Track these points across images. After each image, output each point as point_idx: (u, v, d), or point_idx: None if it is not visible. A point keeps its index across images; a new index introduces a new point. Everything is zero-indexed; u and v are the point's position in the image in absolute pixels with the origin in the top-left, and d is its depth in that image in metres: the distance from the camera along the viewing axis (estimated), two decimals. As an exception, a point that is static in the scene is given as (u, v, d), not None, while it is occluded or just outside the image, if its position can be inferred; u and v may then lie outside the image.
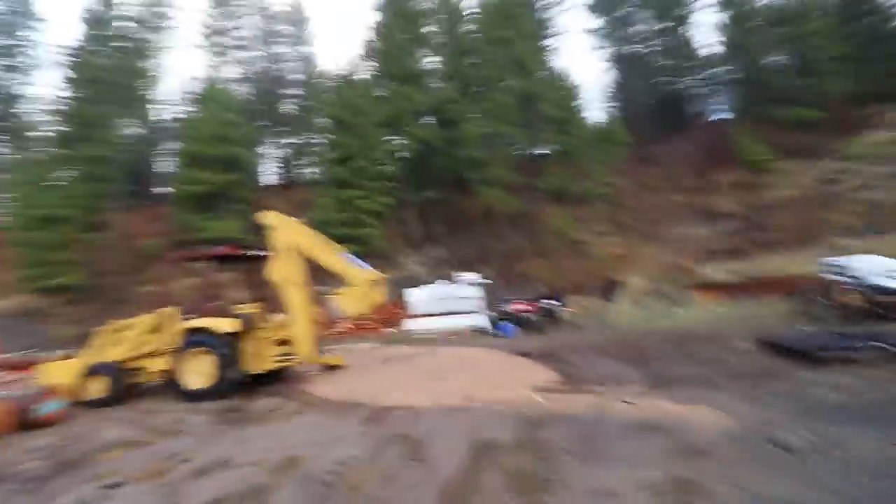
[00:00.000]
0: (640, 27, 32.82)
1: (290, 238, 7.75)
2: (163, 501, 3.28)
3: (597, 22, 34.87)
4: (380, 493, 3.18)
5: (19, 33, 33.32)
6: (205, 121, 25.69)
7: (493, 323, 12.82)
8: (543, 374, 6.85)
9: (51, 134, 27.36)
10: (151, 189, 34.10)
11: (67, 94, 27.23)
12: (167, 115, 36.18)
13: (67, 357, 9.15)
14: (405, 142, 25.22)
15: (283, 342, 7.65)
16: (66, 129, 26.60)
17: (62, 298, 21.68)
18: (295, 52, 39.13)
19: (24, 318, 20.59)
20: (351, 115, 23.34)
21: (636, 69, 32.73)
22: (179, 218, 25.76)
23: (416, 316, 13.68)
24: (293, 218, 8.08)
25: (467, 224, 25.81)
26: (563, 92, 23.69)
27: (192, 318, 7.73)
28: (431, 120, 26.31)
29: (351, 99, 24.27)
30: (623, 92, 34.44)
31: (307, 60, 39.12)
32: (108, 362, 7.46)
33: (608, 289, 15.64)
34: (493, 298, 14.89)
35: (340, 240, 8.41)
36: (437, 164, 26.12)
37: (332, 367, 8.69)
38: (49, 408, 6.10)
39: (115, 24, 29.04)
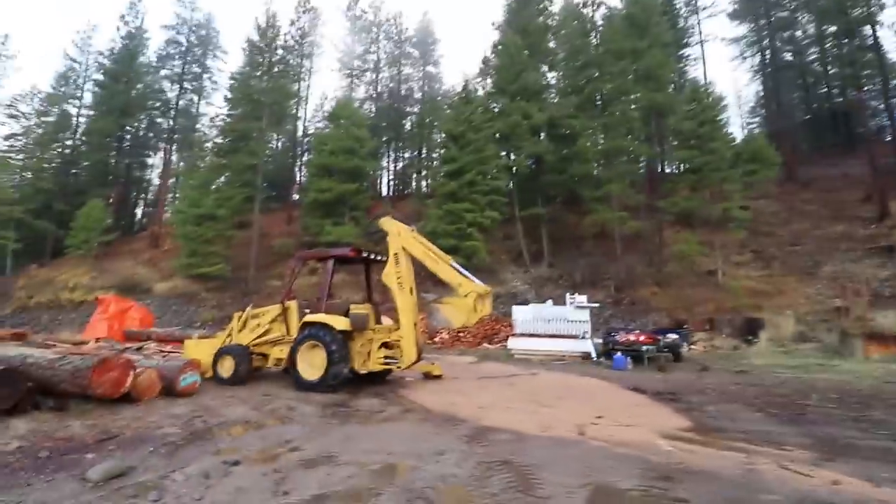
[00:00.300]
0: (798, 33, 28.62)
1: (404, 244, 7.89)
2: (272, 487, 3.30)
3: (740, 29, 31.37)
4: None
5: (208, 63, 40.34)
6: (334, 136, 28.19)
7: (603, 352, 11.74)
8: (668, 417, 5.91)
9: (212, 146, 32.46)
10: (287, 195, 38.46)
11: (227, 112, 32.12)
12: (307, 130, 40.80)
13: (205, 337, 10.38)
14: (517, 157, 24.95)
15: (389, 345, 7.74)
16: (224, 141, 31.29)
17: (208, 285, 25.11)
18: (420, 72, 41.55)
19: (181, 300, 24.25)
20: (465, 130, 23.78)
21: (791, 80, 28.56)
22: (306, 221, 28.51)
23: (519, 335, 13.12)
24: (409, 226, 8.22)
25: (577, 243, 24.56)
26: (701, 104, 21.39)
27: (310, 313, 8.25)
28: (546, 136, 25.76)
29: (466, 115, 24.75)
30: (773, 105, 30.28)
31: (430, 79, 41.23)
32: (238, 345, 8.23)
33: (745, 327, 13.47)
34: (602, 325, 13.75)
35: (447, 251, 8.40)
36: (549, 181, 25.38)
37: (432, 377, 8.62)
38: (188, 380, 6.84)
39: (270, 52, 33.51)
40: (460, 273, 7.78)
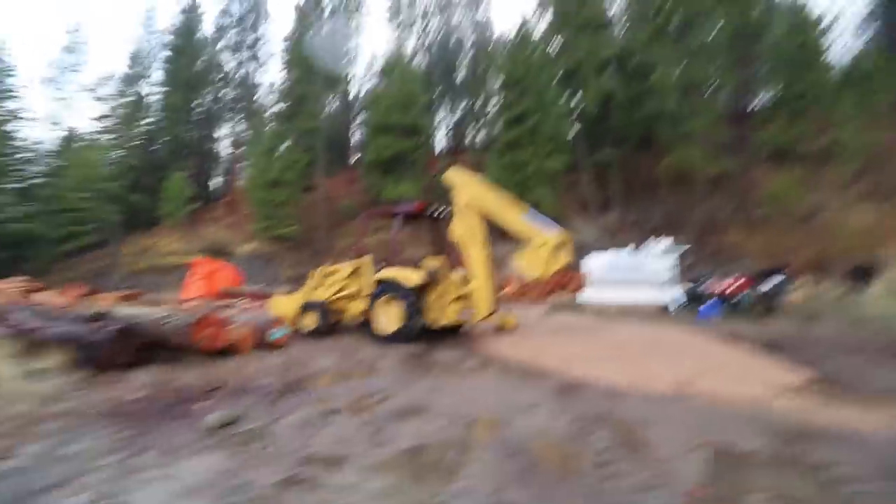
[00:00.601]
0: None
1: (472, 196, 7.59)
2: (370, 437, 3.32)
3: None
4: (603, 484, 2.63)
5: (260, 29, 40.72)
6: (388, 93, 27.78)
7: (689, 301, 10.95)
8: (780, 372, 5.34)
9: (274, 112, 33.32)
10: (347, 157, 39.10)
11: (283, 77, 32.58)
12: (360, 90, 40.65)
13: (289, 293, 10.93)
14: (583, 98, 23.22)
15: (462, 299, 7.65)
16: (283, 107, 31.98)
17: (284, 246, 26.54)
18: (471, 19, 39.37)
19: (261, 260, 25.95)
20: (524, 73, 22.37)
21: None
22: (368, 181, 28.95)
23: (593, 285, 12.59)
24: (476, 176, 7.86)
25: (651, 189, 22.87)
26: (798, 26, 18.35)
27: (384, 269, 8.32)
28: (615, 72, 23.60)
29: (524, 56, 23.20)
30: (888, 25, 25.45)
31: (482, 25, 38.98)
32: (318, 301, 8.55)
33: (855, 272, 11.94)
34: (686, 272, 12.81)
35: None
36: (620, 121, 23.51)
37: (507, 329, 8.50)
38: (278, 334, 7.22)
39: (319, 13, 33.12)
40: (534, 223, 7.39)
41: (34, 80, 45.19)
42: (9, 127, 36.01)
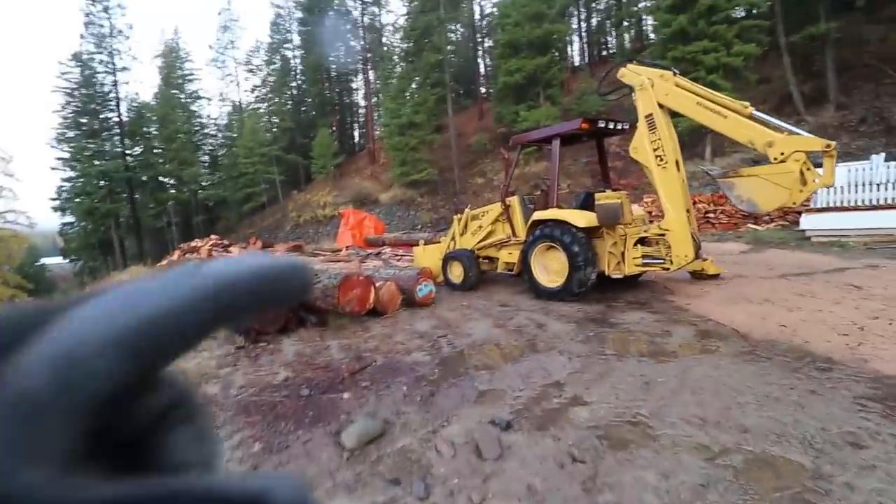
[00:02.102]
0: None
1: (661, 98, 5.46)
2: (584, 492, 2.08)
3: None
4: None
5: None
6: (517, 3, 24.51)
7: None
8: None
9: (400, 52, 32.53)
10: (475, 90, 37.06)
11: (405, 11, 31.14)
12: (483, 11, 37.36)
13: (431, 242, 10.24)
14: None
15: (646, 242, 5.80)
16: (407, 44, 30.90)
17: (421, 190, 26.61)
18: None
19: (401, 206, 26.55)
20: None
21: None
22: (498, 111, 26.86)
23: (819, 209, 9.29)
24: (665, 70, 5.61)
25: (879, 72, 16.41)
26: None
27: (536, 209, 6.83)
28: None
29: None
30: None
31: None
32: (462, 250, 7.57)
33: None
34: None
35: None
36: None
37: (706, 276, 6.43)
38: (424, 290, 6.44)
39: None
40: (767, 126, 5.01)
41: (202, 61, 51.97)
42: (193, 107, 42.39)
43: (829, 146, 4.62)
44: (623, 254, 5.67)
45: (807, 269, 6.58)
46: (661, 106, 5.47)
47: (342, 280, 5.33)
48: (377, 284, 5.97)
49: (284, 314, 5.26)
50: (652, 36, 26.92)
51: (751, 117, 5.10)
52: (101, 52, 33.27)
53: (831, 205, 9.18)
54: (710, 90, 5.42)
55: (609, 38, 38.13)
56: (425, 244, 9.00)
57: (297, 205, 33.41)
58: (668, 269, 5.58)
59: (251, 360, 4.40)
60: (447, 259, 7.66)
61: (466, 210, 7.92)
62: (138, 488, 0.16)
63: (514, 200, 6.97)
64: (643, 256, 5.72)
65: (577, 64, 37.07)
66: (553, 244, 5.93)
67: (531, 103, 24.48)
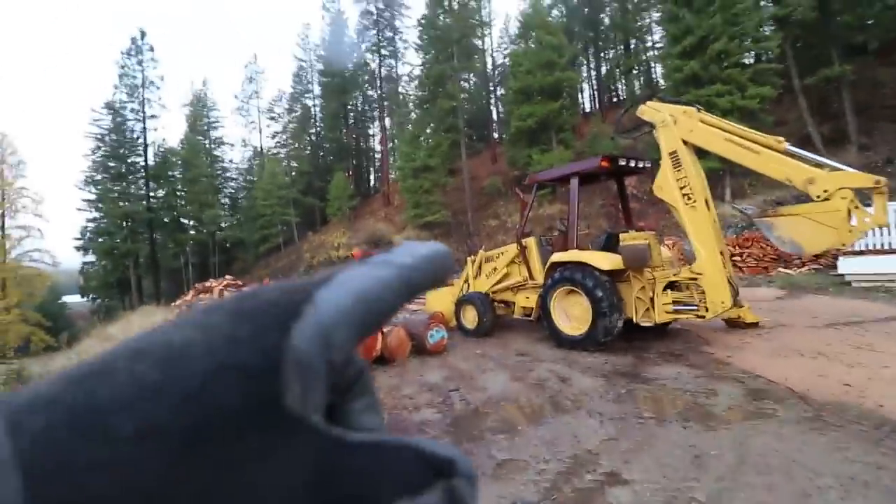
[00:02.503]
0: None
1: (685, 135, 5.19)
2: None
3: None
4: None
5: (397, 23, 41.64)
6: (529, 53, 25.30)
7: None
8: None
9: (415, 98, 33.60)
10: (488, 134, 37.83)
11: (420, 62, 32.41)
12: (496, 61, 38.76)
13: (444, 285, 9.89)
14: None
15: (676, 287, 5.35)
16: (422, 92, 31.95)
17: (434, 231, 26.55)
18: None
19: (413, 248, 26.43)
20: (699, -14, 17.61)
21: None
22: (511, 155, 27.11)
23: (857, 252, 8.73)
24: (687, 106, 5.38)
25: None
26: None
27: (554, 251, 6.48)
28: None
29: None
30: None
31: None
32: (476, 293, 7.18)
33: None
34: None
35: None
36: (848, 22, 17.06)
37: (743, 325, 5.89)
38: (436, 337, 6.02)
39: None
40: (805, 161, 4.67)
41: (227, 109, 54.36)
42: (217, 152, 43.99)
43: (878, 182, 4.23)
44: (652, 300, 5.21)
45: (855, 318, 5.99)
46: (685, 143, 5.19)
47: (347, 326, 4.96)
48: (385, 330, 5.58)
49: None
50: (661, 82, 27.32)
51: (785, 153, 4.77)
52: (132, 101, 35.09)
53: (870, 247, 8.63)
54: (739, 126, 5.14)
55: (619, 85, 38.99)
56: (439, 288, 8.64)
57: (311, 246, 33.61)
58: (703, 316, 5.09)
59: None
60: (460, 303, 7.27)
61: (480, 251, 7.60)
62: (377, 437, 0.19)
63: (530, 242, 6.64)
64: (674, 303, 5.25)
65: (588, 110, 37.78)
66: (574, 288, 5.51)
67: (544, 147, 24.69)
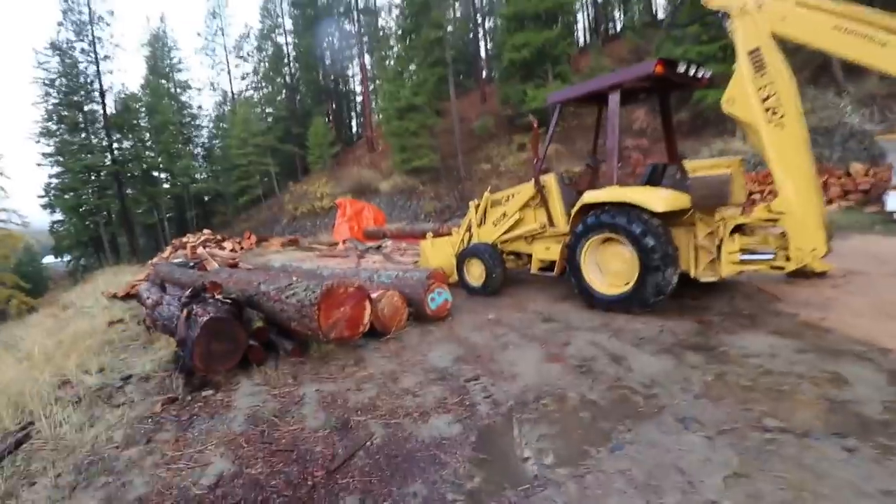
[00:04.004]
0: None
1: (776, 26, 3.79)
2: None
3: None
4: None
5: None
6: (523, -28, 22.56)
7: None
8: None
9: (397, 31, 30.59)
10: (479, 73, 35.11)
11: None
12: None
13: (439, 234, 8.64)
14: None
15: (744, 230, 4.18)
16: (405, 23, 29.00)
17: (423, 177, 24.95)
18: None
19: (402, 195, 24.88)
20: None
21: None
22: (504, 91, 25.02)
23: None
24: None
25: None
26: None
27: (581, 190, 5.22)
28: None
29: None
30: None
31: None
32: (482, 244, 5.98)
33: None
34: None
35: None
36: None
37: (814, 274, 4.84)
38: (438, 300, 4.86)
39: None
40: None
41: (191, 49, 49.77)
42: (183, 98, 40.57)
43: None
44: (719, 248, 4.05)
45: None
46: (773, 35, 3.82)
47: (323, 295, 3.74)
48: (375, 296, 4.39)
49: (244, 341, 3.68)
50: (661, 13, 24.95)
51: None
52: (81, 41, 31.35)
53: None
54: (853, 4, 3.74)
55: (618, 14, 36.10)
56: (434, 237, 7.39)
57: (293, 197, 31.76)
58: (780, 268, 3.97)
59: (179, 426, 2.83)
60: (464, 256, 6.08)
61: (486, 194, 6.31)
62: None
63: (549, 180, 5.35)
64: (742, 251, 4.11)
65: (584, 43, 35.08)
66: (614, 236, 4.32)
67: (539, 81, 22.68)
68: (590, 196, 4.52)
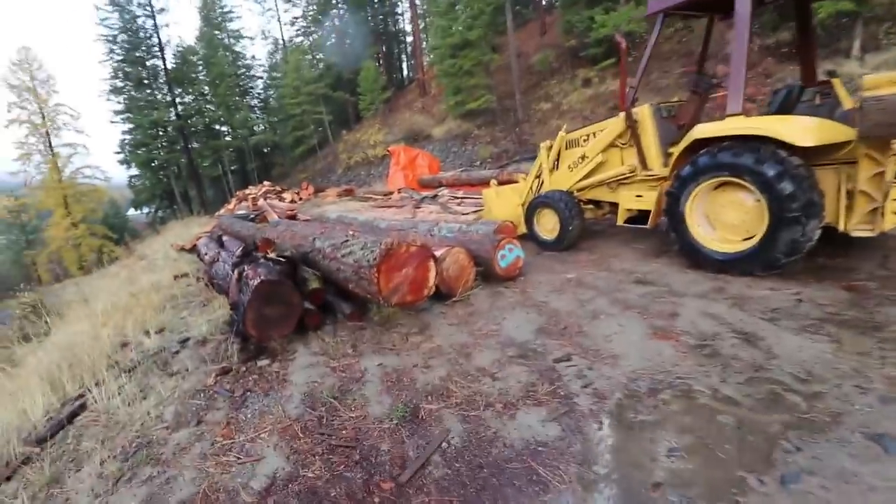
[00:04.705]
0: None
1: None
2: None
3: None
4: None
5: None
6: None
7: None
8: None
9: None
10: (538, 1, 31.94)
11: None
12: None
13: (504, 182, 7.91)
14: None
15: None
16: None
17: (478, 121, 23.68)
18: None
19: (457, 140, 23.87)
20: None
21: None
22: (567, 20, 22.53)
23: None
24: None
25: None
26: None
27: (683, 123, 4.28)
28: None
29: None
30: None
31: None
32: (557, 192, 5.22)
33: None
34: None
35: None
36: None
37: None
38: (509, 257, 4.28)
39: None
40: None
41: (243, -2, 49.28)
42: (237, 48, 40.67)
43: None
44: (886, 194, 3.08)
45: None
46: None
47: (383, 255, 3.27)
48: (439, 254, 3.88)
49: (299, 304, 3.34)
50: None
51: None
52: (137, -6, 31.73)
53: None
54: None
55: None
56: (498, 184, 6.67)
57: (347, 146, 31.60)
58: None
59: (232, 404, 2.55)
60: (535, 206, 5.39)
61: (560, 133, 5.46)
62: None
63: (644, 112, 4.41)
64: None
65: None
66: (737, 180, 3.43)
67: (609, 4, 20.06)
68: (705, 129, 3.59)
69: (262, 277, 3.14)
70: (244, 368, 2.98)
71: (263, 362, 3.06)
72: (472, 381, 2.50)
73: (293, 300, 3.25)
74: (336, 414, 2.32)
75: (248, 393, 2.67)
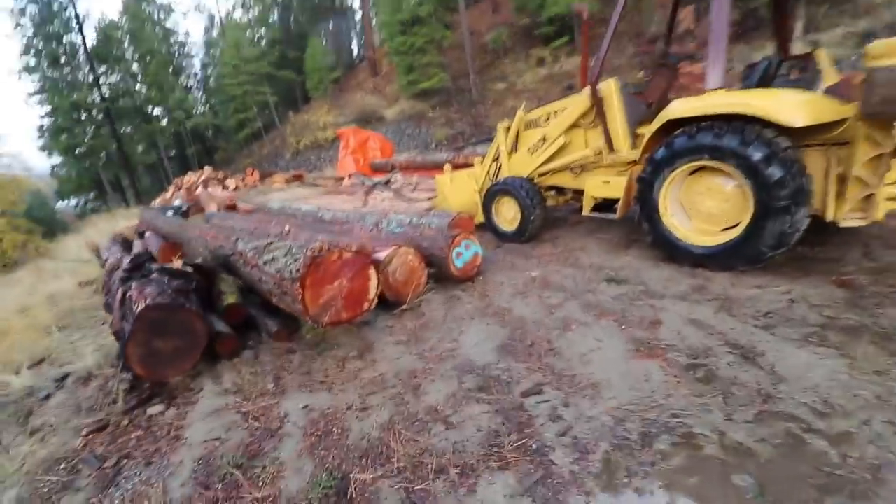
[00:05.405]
0: None
1: None
2: None
3: None
4: None
5: None
6: None
7: None
8: None
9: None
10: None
11: None
12: None
13: (459, 166, 7.34)
14: None
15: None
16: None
17: (432, 101, 22.85)
18: None
19: (410, 122, 22.95)
20: None
21: None
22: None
23: None
24: None
25: None
26: None
27: (649, 100, 3.86)
28: None
29: None
30: None
31: None
32: (516, 179, 4.73)
33: None
34: None
35: None
36: None
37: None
38: (466, 255, 3.74)
39: None
40: None
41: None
42: (168, 24, 37.29)
43: None
44: (882, 177, 2.76)
45: None
46: None
47: (308, 266, 2.63)
48: (384, 256, 3.29)
49: (204, 332, 2.66)
50: None
51: None
52: (46, -42, 28.07)
53: None
54: None
55: None
56: (453, 169, 6.08)
57: (295, 128, 29.85)
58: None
59: (99, 483, 1.88)
60: (493, 194, 4.87)
61: (519, 112, 4.93)
62: None
63: (609, 88, 3.94)
64: (903, 183, 2.82)
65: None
66: (717, 164, 3.04)
67: (561, -18, 19.61)
68: (683, 107, 3.15)
69: (148, 300, 2.43)
70: (126, 421, 2.30)
71: (155, 409, 2.38)
72: (420, 430, 1.95)
73: (195, 328, 2.56)
74: (237, 494, 1.72)
75: (125, 461, 2.01)
